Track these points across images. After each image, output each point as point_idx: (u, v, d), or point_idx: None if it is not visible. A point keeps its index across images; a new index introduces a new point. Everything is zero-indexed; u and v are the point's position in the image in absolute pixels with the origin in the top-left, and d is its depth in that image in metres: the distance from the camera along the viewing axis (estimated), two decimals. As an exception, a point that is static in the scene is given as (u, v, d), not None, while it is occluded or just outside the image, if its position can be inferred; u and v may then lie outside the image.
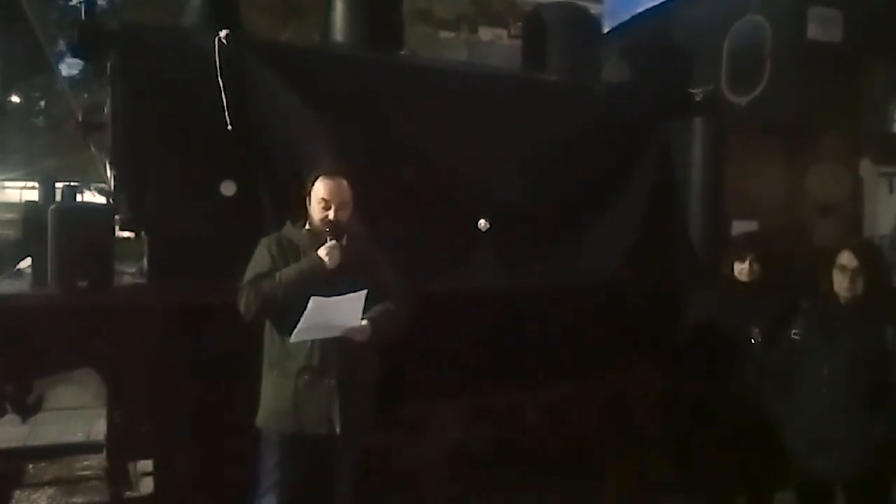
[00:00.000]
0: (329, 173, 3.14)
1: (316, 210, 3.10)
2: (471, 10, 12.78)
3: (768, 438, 3.39)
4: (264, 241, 3.14)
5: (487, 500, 4.35)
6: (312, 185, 3.12)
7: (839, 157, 4.92)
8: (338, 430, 3.03)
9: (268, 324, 3.11)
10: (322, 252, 2.99)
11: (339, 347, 2.98)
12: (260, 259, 3.07)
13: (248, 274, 3.05)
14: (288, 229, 3.21)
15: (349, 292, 2.89)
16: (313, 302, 2.81)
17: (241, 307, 3.00)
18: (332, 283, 2.92)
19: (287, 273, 2.98)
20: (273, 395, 3.09)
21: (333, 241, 3.00)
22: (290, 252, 3.08)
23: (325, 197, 3.08)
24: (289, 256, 3.06)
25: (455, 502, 4.26)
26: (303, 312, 2.82)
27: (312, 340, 2.97)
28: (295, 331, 2.87)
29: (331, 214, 3.07)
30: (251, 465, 3.19)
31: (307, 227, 3.17)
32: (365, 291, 2.92)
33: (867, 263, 3.16)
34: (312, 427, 3.03)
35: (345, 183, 3.13)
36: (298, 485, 3.11)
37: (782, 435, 3.34)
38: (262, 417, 3.14)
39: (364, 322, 2.97)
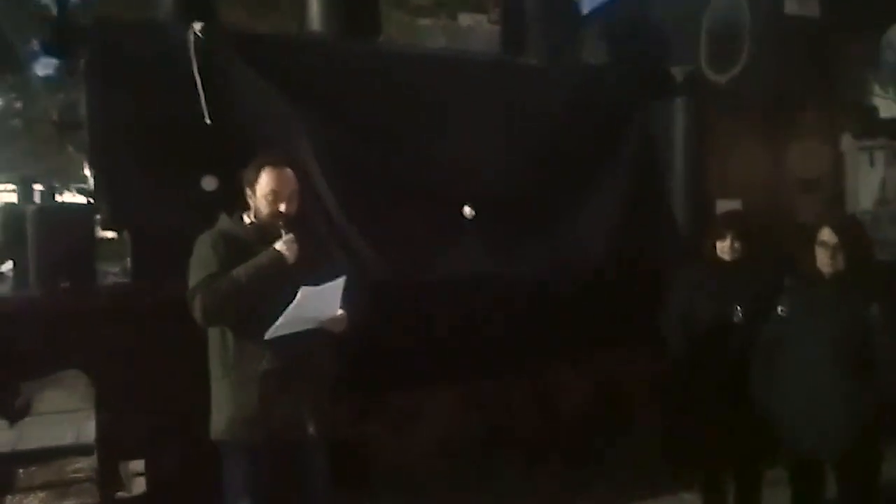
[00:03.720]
0: (275, 163, 2.94)
1: (264, 203, 2.90)
2: (449, -3, 12.72)
3: (755, 417, 3.41)
4: (205, 239, 2.90)
5: (476, 491, 4.35)
6: (257, 175, 2.91)
7: (820, 133, 4.94)
8: (311, 431, 2.89)
9: (214, 328, 2.90)
10: (280, 246, 2.82)
11: (303, 344, 2.81)
12: (206, 259, 2.84)
13: (196, 275, 2.83)
14: (226, 223, 2.99)
15: (312, 283, 2.76)
16: (301, 293, 2.70)
17: (197, 313, 2.78)
18: (293, 276, 2.76)
19: (244, 271, 2.78)
20: (233, 403, 2.86)
21: (290, 235, 2.84)
22: (236, 249, 2.86)
23: (275, 188, 2.89)
24: (236, 252, 2.85)
25: (443, 495, 4.26)
26: (265, 310, 2.71)
27: (271, 339, 2.77)
28: (274, 325, 2.72)
29: (283, 207, 2.89)
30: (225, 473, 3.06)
31: (247, 219, 2.98)
32: (343, 279, 2.82)
33: (848, 239, 3.17)
34: (282, 432, 2.86)
35: (291, 172, 2.96)
36: (271, 494, 2.92)
37: (769, 413, 3.35)
38: (222, 428, 2.89)
39: (341, 312, 2.88)
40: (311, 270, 2.82)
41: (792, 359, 3.25)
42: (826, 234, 3.18)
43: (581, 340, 4.44)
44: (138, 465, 4.09)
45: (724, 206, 4.48)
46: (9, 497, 4.66)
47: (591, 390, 4.78)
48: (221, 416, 2.90)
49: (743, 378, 3.43)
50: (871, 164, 5.06)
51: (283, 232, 2.85)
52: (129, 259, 3.75)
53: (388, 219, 3.96)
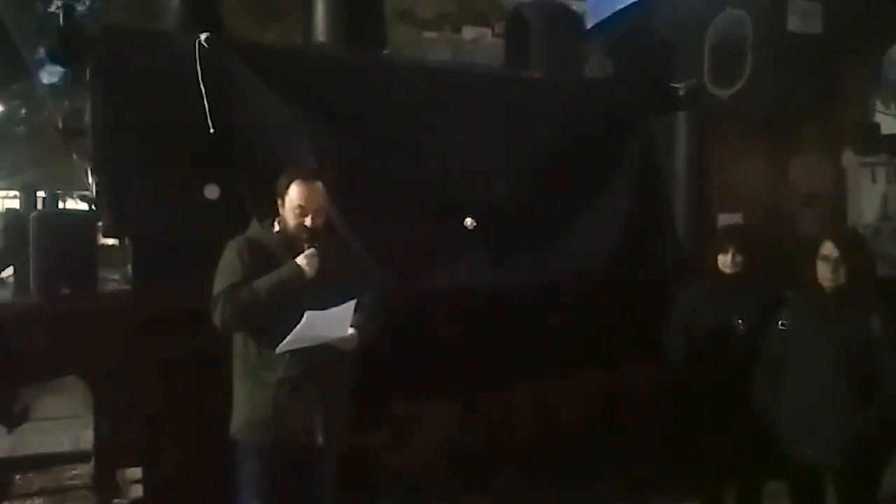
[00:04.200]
0: (305, 177, 3.02)
1: (291, 215, 2.98)
2: (454, 10, 12.80)
3: (757, 429, 3.40)
4: (233, 246, 2.98)
5: (479, 499, 4.34)
6: (287, 188, 2.99)
7: (822, 148, 4.95)
8: (320, 440, 2.95)
9: (239, 332, 2.99)
10: (301, 261, 2.88)
11: (319, 355, 2.88)
12: (232, 266, 2.92)
13: (221, 282, 2.90)
14: (256, 230, 3.08)
15: (329, 297, 2.83)
16: (306, 317, 2.75)
17: (217, 320, 2.87)
18: (312, 290, 2.85)
19: (265, 283, 2.85)
20: (250, 405, 2.97)
21: (312, 249, 2.90)
22: (263, 256, 2.94)
23: (302, 203, 2.96)
24: (262, 261, 2.92)
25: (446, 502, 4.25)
26: (284, 320, 2.76)
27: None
28: (282, 343, 2.79)
29: (308, 221, 2.96)
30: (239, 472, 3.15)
31: (277, 228, 3.05)
32: (354, 302, 2.87)
33: (849, 253, 3.18)
34: (293, 437, 2.94)
35: (321, 187, 3.03)
36: (279, 495, 3.00)
37: (771, 425, 3.35)
38: (238, 427, 3.01)
39: (352, 331, 2.92)
40: (330, 285, 2.89)
41: (793, 372, 3.25)
42: (828, 248, 3.19)
43: (583, 352, 4.43)
44: (136, 472, 4.08)
45: (725, 219, 4.48)
46: (6, 503, 4.65)
47: (593, 401, 4.76)
48: (239, 416, 3.01)
49: (744, 390, 3.43)
50: (873, 179, 5.06)
51: (305, 246, 2.91)
52: (129, 266, 3.75)
53: (390, 229, 3.96)
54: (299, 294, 2.84)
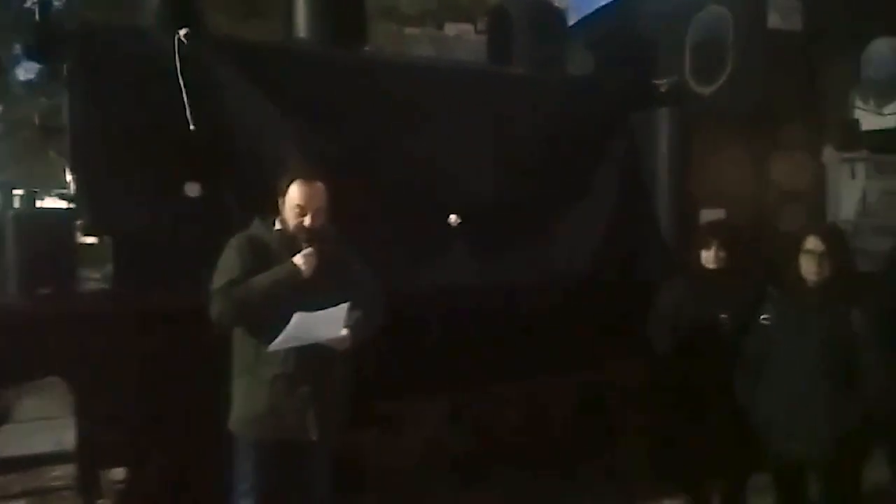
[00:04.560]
0: (305, 177, 3.05)
1: (290, 215, 3.02)
2: (436, 6, 12.79)
3: (741, 423, 3.42)
4: (234, 243, 3.03)
5: (467, 498, 4.34)
6: (287, 187, 3.03)
7: (803, 145, 4.99)
8: (314, 436, 3.00)
9: (238, 329, 3.04)
10: (298, 260, 2.92)
11: (313, 353, 2.92)
12: (231, 262, 2.97)
13: (219, 279, 2.95)
14: (257, 227, 3.12)
15: (325, 298, 2.86)
16: (296, 318, 2.78)
17: (214, 315, 2.94)
18: (308, 289, 2.89)
19: (261, 281, 2.90)
20: (246, 401, 3.03)
21: (309, 249, 2.94)
22: (263, 254, 3.00)
23: (301, 203, 3.00)
24: (261, 259, 2.97)
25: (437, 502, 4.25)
26: (279, 318, 2.79)
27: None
28: (274, 342, 2.83)
29: (306, 221, 3.00)
30: (224, 471, 3.14)
31: (277, 226, 3.10)
32: (347, 304, 2.89)
33: (833, 247, 3.21)
34: (288, 433, 3.00)
35: (320, 187, 3.06)
36: (273, 489, 3.07)
37: (755, 420, 3.37)
38: (235, 423, 3.08)
39: (345, 332, 2.93)
40: (327, 285, 2.93)
41: (776, 366, 3.29)
42: (812, 243, 3.22)
43: (568, 350, 4.43)
44: (119, 473, 4.04)
45: (708, 215, 4.51)
46: (-14, 506, 4.60)
47: (578, 400, 4.78)
48: (237, 412, 3.07)
49: (728, 385, 3.45)
50: (853, 175, 5.11)
51: (303, 245, 2.94)
52: (110, 265, 3.71)
53: (373, 228, 3.94)
54: (295, 293, 2.87)
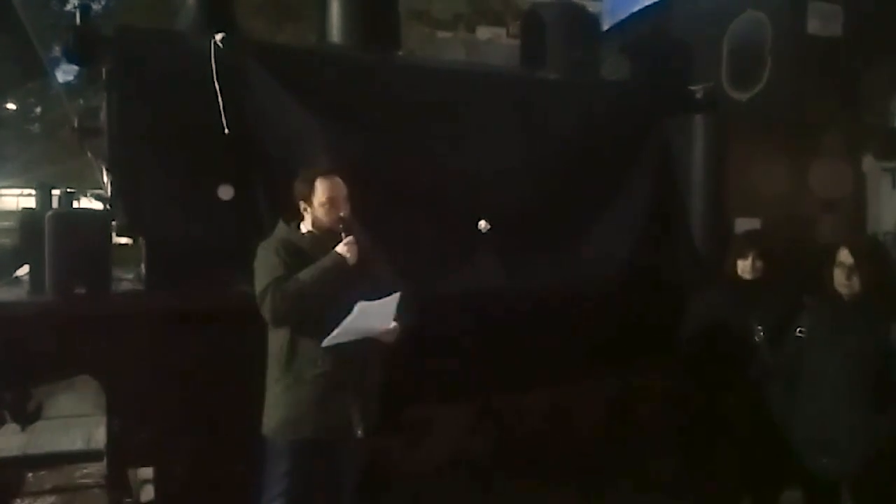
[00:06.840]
0: (327, 173, 3.15)
1: (321, 210, 3.07)
2: (468, 10, 12.80)
3: (773, 437, 3.36)
4: (268, 246, 3.07)
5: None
6: (311, 187, 3.09)
7: (842, 153, 4.89)
8: (359, 434, 3.02)
9: (274, 330, 3.05)
10: (342, 249, 2.99)
11: (355, 351, 2.96)
12: (272, 262, 3.00)
13: (264, 278, 2.98)
14: (284, 231, 3.15)
15: (367, 287, 2.94)
16: (359, 307, 2.84)
17: (268, 312, 2.95)
18: (352, 279, 2.95)
19: (310, 273, 2.95)
20: (287, 402, 3.03)
21: (350, 237, 3.01)
22: (296, 255, 3.03)
23: (332, 195, 3.07)
24: (296, 260, 3.01)
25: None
26: (326, 313, 2.86)
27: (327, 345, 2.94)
28: (330, 336, 2.87)
29: (343, 212, 3.07)
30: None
31: (302, 228, 3.14)
32: (399, 294, 2.95)
33: (864, 260, 3.14)
34: (331, 433, 3.02)
35: (340, 179, 3.14)
36: (307, 491, 3.08)
37: (787, 433, 3.31)
38: (272, 426, 3.07)
39: (394, 324, 2.99)
40: (368, 275, 3.01)
41: (810, 379, 3.22)
42: (843, 255, 3.16)
43: (598, 356, 4.39)
44: (147, 472, 4.08)
45: (743, 224, 4.44)
46: (17, 501, 4.66)
47: (607, 406, 4.73)
48: (274, 415, 3.06)
49: (762, 397, 3.39)
50: (894, 185, 5.00)
51: (342, 235, 3.01)
52: (143, 266, 3.75)
53: (404, 232, 3.94)
54: (343, 282, 2.93)
